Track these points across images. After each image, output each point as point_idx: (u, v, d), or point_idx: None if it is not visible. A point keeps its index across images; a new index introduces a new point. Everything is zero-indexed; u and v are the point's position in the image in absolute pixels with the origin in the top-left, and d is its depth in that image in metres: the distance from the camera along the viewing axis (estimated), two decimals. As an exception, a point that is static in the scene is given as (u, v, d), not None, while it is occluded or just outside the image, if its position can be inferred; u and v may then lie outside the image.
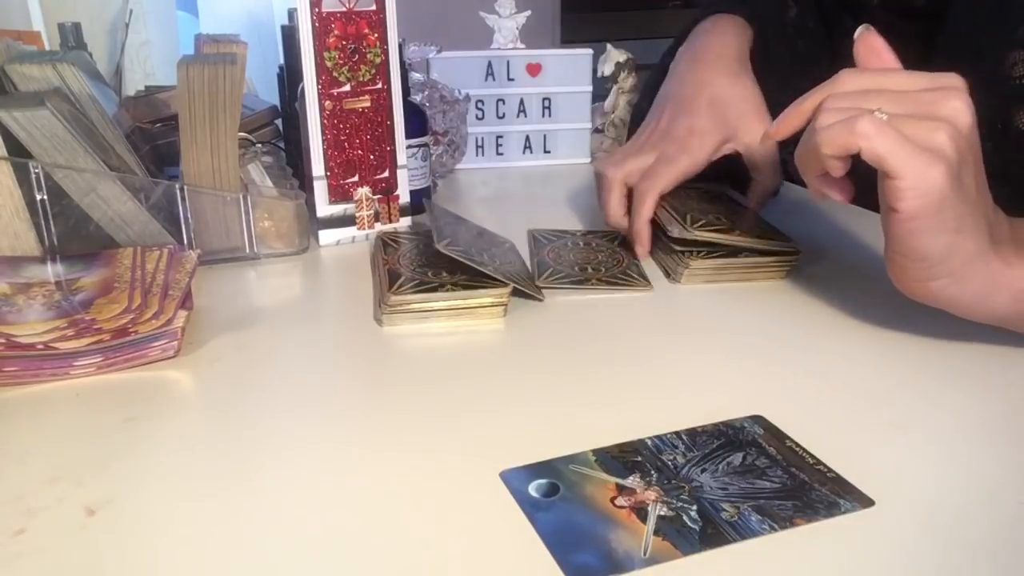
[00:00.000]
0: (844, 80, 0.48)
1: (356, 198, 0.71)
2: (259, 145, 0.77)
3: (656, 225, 0.65)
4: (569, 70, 0.97)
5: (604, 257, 0.66)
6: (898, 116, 0.44)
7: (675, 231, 0.62)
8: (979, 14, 0.71)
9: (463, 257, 0.56)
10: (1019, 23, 0.65)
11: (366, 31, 0.68)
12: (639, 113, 0.91)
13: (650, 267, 0.65)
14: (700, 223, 0.62)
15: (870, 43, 0.49)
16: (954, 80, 0.46)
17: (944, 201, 0.43)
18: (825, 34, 0.82)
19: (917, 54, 0.82)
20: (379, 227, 0.72)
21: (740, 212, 0.68)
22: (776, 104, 0.67)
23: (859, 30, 0.50)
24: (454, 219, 0.67)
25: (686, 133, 0.67)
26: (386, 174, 0.72)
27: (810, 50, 0.82)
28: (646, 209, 0.65)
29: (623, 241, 0.69)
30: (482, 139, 0.98)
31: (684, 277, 0.62)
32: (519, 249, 0.67)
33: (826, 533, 0.35)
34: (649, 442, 0.41)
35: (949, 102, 0.44)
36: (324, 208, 0.70)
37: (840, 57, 0.84)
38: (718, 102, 0.68)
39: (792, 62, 0.77)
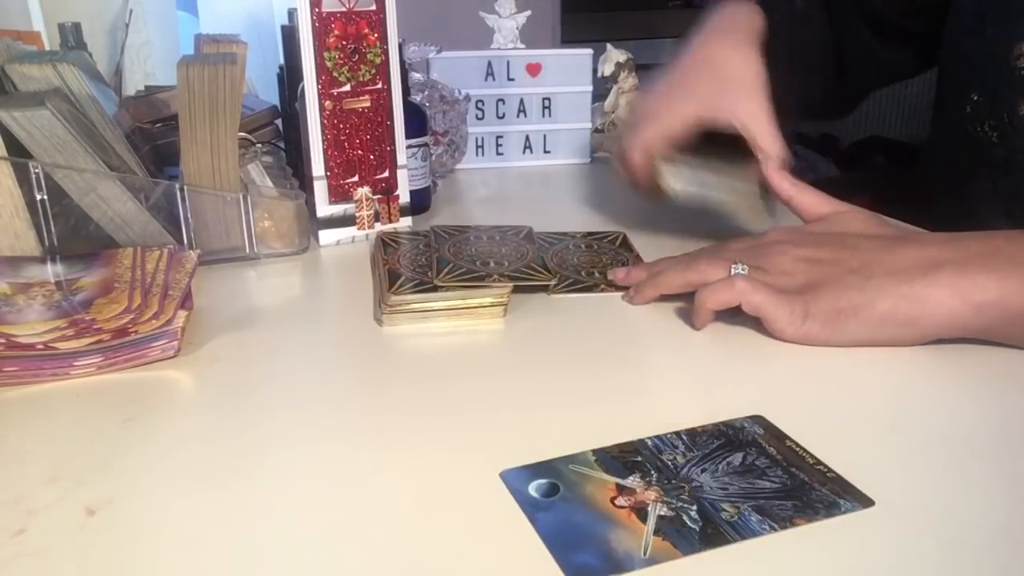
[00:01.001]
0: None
1: (356, 198, 0.71)
2: (259, 145, 0.77)
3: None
4: (569, 70, 0.97)
5: (608, 260, 0.65)
6: (756, 269, 0.52)
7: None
8: (986, 6, 0.71)
9: (466, 280, 0.57)
10: None
11: (366, 31, 0.68)
12: None
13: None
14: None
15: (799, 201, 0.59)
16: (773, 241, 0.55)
17: (823, 317, 0.49)
18: (831, 31, 0.82)
19: (920, 54, 0.81)
20: (379, 227, 0.72)
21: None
22: (775, 97, 0.67)
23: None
24: (457, 232, 0.67)
25: (673, 87, 0.68)
26: (386, 174, 0.72)
27: (815, 43, 0.82)
28: (635, 155, 0.67)
29: (624, 241, 0.69)
30: (482, 139, 0.97)
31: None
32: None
33: (826, 533, 0.35)
34: (649, 442, 0.41)
35: (780, 256, 0.53)
36: (324, 208, 0.70)
37: (848, 59, 0.83)
38: (710, 62, 0.68)
39: (794, 53, 0.77)
